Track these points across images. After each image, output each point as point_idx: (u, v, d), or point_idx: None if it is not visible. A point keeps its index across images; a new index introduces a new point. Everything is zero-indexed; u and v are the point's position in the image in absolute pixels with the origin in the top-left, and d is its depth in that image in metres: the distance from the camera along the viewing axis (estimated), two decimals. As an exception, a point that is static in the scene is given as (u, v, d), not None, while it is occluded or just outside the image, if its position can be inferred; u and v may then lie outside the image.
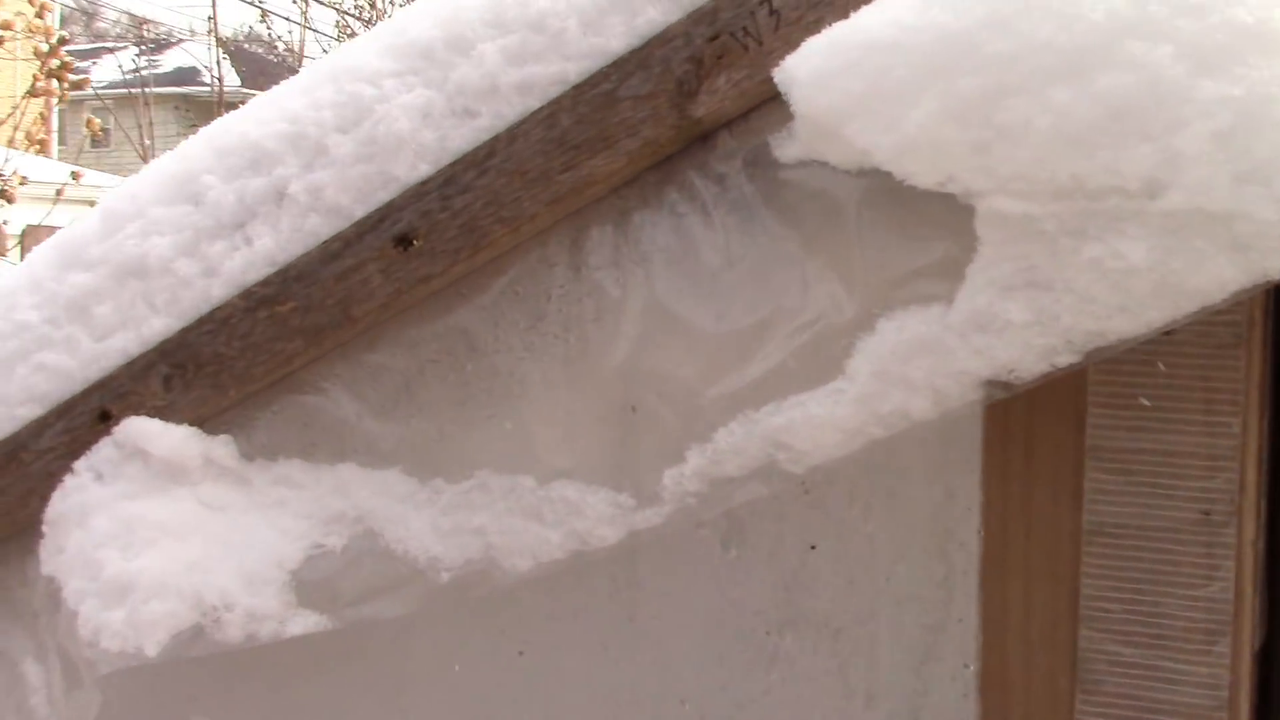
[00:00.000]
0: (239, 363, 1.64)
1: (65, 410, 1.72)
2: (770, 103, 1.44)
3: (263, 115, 1.69)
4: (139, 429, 1.65)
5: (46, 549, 1.71)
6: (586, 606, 1.58)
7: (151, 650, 1.56)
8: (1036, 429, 1.38)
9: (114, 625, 1.57)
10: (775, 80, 1.34)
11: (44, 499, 1.73)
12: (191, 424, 1.67)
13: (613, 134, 1.47)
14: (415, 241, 1.55)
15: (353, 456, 1.65)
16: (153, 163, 1.82)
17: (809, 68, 1.27)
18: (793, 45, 1.39)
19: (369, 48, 1.66)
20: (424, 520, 1.59)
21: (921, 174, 1.23)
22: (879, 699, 1.47)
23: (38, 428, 1.74)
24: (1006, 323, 1.24)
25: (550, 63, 1.50)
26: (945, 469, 1.42)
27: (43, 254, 1.84)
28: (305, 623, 1.58)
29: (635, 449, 1.51)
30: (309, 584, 1.59)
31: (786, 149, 1.41)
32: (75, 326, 1.74)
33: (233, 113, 1.77)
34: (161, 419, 1.67)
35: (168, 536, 1.61)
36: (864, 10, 1.28)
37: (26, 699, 1.78)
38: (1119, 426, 1.35)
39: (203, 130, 1.79)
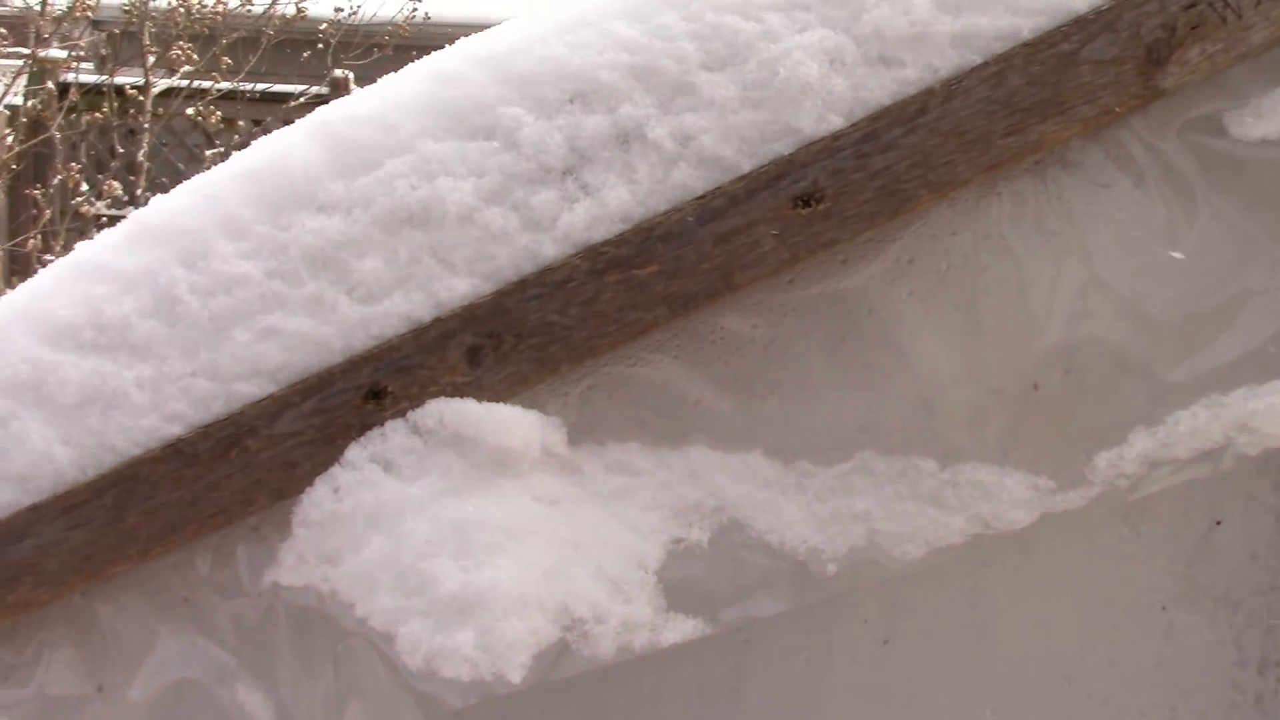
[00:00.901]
0: (578, 334, 1.40)
1: (317, 387, 1.41)
2: (1217, 76, 1.40)
3: (579, 39, 1.44)
4: (461, 413, 1.37)
5: (300, 556, 1.41)
6: (968, 589, 1.51)
7: (516, 676, 1.33)
8: None
9: (462, 650, 1.32)
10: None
11: (277, 493, 1.42)
12: (498, 402, 1.42)
13: (1068, 99, 1.37)
14: (819, 202, 1.38)
15: (696, 437, 1.46)
16: (389, 81, 1.50)
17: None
18: (1273, 21, 1.37)
19: (710, -32, 1.45)
20: (797, 507, 1.45)
21: None
22: (1272, 666, 1.52)
23: (272, 407, 1.41)
24: None
25: (995, 14, 1.37)
26: (1361, 444, 1.48)
27: (227, 185, 1.48)
28: (681, 629, 1.40)
29: (1042, 429, 1.45)
30: (677, 584, 1.41)
31: (1250, 128, 1.38)
32: (323, 283, 1.42)
33: (506, 28, 1.49)
34: (460, 397, 1.41)
35: (512, 541, 1.36)
36: None
37: (240, 734, 1.46)
38: None
39: (463, 47, 1.49)
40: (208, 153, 9.34)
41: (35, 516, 1.41)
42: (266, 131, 9.85)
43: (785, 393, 1.46)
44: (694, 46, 1.41)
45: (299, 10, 9.23)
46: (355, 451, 1.40)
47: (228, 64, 8.74)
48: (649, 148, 1.39)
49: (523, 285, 1.39)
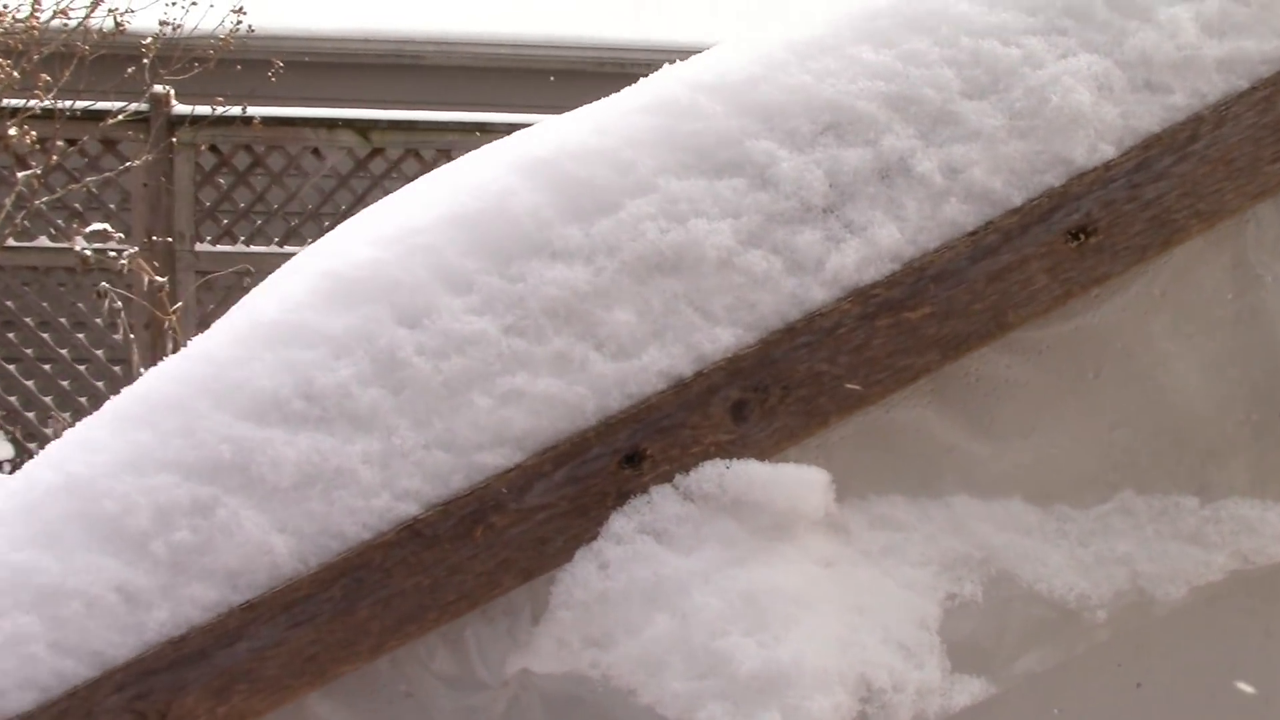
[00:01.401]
0: (847, 383, 1.31)
1: (570, 454, 1.28)
2: None
3: (823, 66, 1.34)
4: (745, 475, 1.27)
5: (560, 640, 1.28)
6: (1218, 626, 1.47)
7: (824, 758, 1.23)
8: None
9: (768, 734, 1.22)
10: None
11: (525, 573, 1.30)
12: (764, 460, 1.31)
13: (1331, 123, 1.35)
14: (1091, 235, 1.33)
15: (954, 485, 1.39)
16: (600, 113, 1.38)
17: None
18: None
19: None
20: (1062, 554, 1.39)
21: None
22: None
23: (520, 479, 1.27)
24: None
25: (1261, 37, 1.34)
26: None
27: (440, 233, 1.33)
28: (970, 690, 1.33)
29: (1293, 457, 1.42)
30: (958, 644, 1.33)
31: None
32: (569, 339, 1.29)
33: (723, 54, 1.39)
34: (725, 457, 1.30)
35: (803, 610, 1.26)
36: None
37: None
38: None
39: (683, 74, 1.38)
40: (19, 174, 8.74)
41: (250, 616, 1.24)
42: (84, 152, 9.28)
43: (1040, 434, 1.40)
44: (953, 73, 1.33)
45: (118, 25, 8.70)
46: (621, 522, 1.27)
47: (46, 81, 8.18)
48: (915, 182, 1.31)
49: (790, 333, 1.29)
